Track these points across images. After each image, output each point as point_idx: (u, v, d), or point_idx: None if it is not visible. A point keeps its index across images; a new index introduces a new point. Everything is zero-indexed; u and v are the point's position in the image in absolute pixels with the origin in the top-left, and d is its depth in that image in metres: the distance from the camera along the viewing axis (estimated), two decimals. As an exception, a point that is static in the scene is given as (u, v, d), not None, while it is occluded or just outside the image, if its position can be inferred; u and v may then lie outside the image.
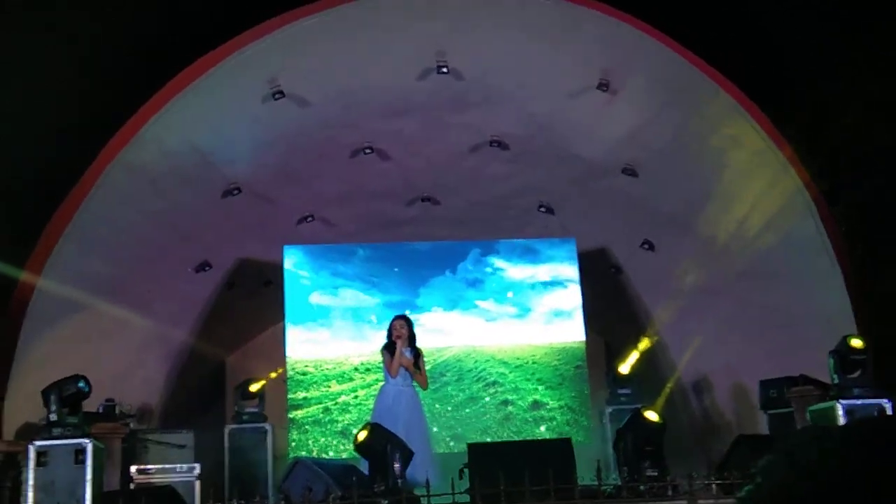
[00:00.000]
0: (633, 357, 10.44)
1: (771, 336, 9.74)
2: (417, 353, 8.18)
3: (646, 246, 10.81)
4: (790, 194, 9.15)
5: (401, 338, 8.08)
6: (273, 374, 10.34)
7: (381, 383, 8.28)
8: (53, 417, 7.06)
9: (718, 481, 6.31)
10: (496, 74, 9.05)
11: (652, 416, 7.11)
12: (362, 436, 6.85)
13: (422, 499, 6.25)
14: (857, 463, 0.84)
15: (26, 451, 7.06)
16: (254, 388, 9.83)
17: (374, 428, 6.86)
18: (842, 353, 7.51)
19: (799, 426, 8.32)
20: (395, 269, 10.97)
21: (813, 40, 8.32)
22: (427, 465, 7.31)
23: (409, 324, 8.27)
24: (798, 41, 8.44)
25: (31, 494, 6.92)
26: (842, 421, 7.20)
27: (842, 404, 7.24)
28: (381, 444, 6.68)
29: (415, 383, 8.15)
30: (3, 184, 8.08)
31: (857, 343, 7.48)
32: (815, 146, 9.04)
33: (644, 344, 10.61)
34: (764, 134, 9.00)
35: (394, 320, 8.30)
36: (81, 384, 7.15)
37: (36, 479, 6.93)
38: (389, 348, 8.12)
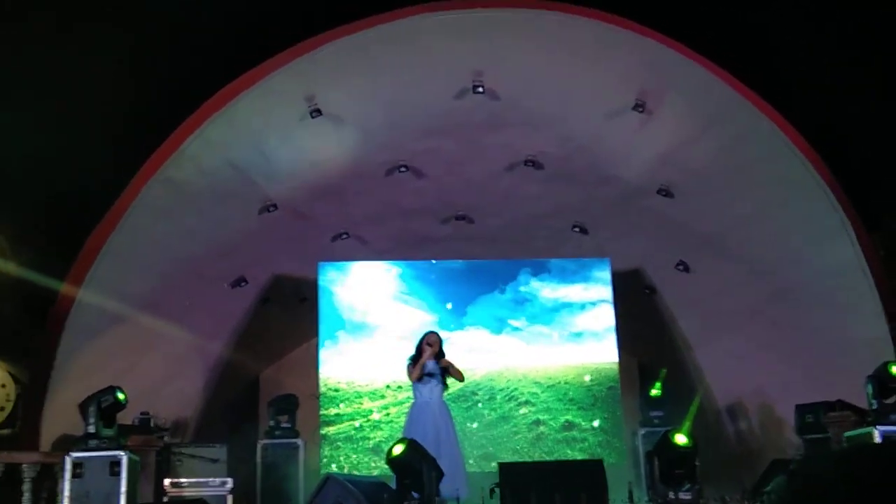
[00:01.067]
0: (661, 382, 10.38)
1: (808, 360, 9.63)
2: (444, 365, 8.25)
3: (681, 267, 10.75)
4: (828, 217, 9.06)
5: (432, 345, 8.18)
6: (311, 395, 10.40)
7: (413, 400, 8.31)
8: (91, 429, 7.16)
9: (752, 506, 6.25)
10: (532, 94, 9.07)
11: (681, 439, 7.05)
12: (398, 450, 6.84)
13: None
14: (856, 485, 0.84)
15: (63, 462, 7.16)
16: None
17: (411, 444, 6.85)
18: (880, 378, 7.41)
19: (835, 452, 8.21)
20: (429, 288, 11.00)
21: (850, 65, 8.27)
22: (459, 480, 7.31)
23: (440, 340, 8.37)
24: (835, 66, 8.39)
25: (66, 505, 7.01)
26: (879, 447, 7.10)
27: (879, 430, 7.15)
28: (417, 460, 6.68)
29: (445, 397, 8.21)
30: (44, 198, 8.23)
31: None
32: (855, 170, 8.97)
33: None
34: (802, 157, 8.93)
35: (427, 336, 8.41)
36: (118, 394, 7.25)
37: (72, 490, 7.03)
38: (415, 359, 8.23)
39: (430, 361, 8.15)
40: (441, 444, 7.63)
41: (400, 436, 8.14)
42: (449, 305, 10.94)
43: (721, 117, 8.95)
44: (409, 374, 8.25)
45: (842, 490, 0.85)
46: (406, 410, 9.26)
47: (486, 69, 8.75)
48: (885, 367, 7.39)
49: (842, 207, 8.97)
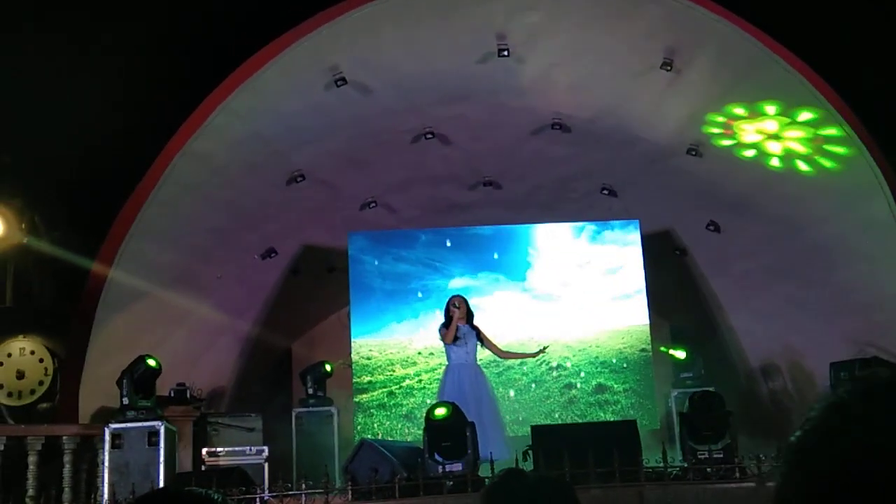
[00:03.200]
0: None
1: (842, 318, 9.55)
2: (477, 330, 8.31)
3: (711, 227, 10.66)
4: (861, 173, 8.94)
5: (459, 309, 8.23)
6: (339, 362, 10.50)
7: (446, 365, 8.35)
8: (126, 401, 7.27)
9: (787, 464, 6.22)
10: (557, 56, 8.99)
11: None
12: (441, 412, 6.78)
13: (486, 480, 6.28)
14: None
15: (102, 434, 7.28)
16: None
17: (454, 407, 6.83)
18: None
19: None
20: (458, 254, 11.00)
21: (881, 16, 8.11)
22: (497, 441, 7.36)
23: (466, 303, 8.41)
24: (868, 15, 8.22)
25: (106, 475, 7.15)
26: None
27: (915, 386, 7.07)
28: (460, 423, 6.68)
29: (480, 361, 8.27)
30: (75, 176, 8.31)
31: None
32: (888, 121, 8.82)
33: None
34: (834, 111, 8.79)
35: (452, 299, 8.49)
36: (148, 360, 7.33)
37: (111, 460, 7.16)
38: (446, 324, 8.30)
39: (462, 325, 8.20)
40: (481, 403, 7.67)
41: (434, 400, 8.19)
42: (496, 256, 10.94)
43: (749, 73, 8.82)
44: (443, 337, 8.33)
45: None
46: (438, 377, 9.30)
47: (511, 32, 8.68)
48: None
49: (874, 159, 8.83)
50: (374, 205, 10.89)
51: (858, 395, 0.83)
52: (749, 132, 9.33)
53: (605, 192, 10.97)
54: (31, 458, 7.53)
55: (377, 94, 9.15)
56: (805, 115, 8.92)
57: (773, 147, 9.34)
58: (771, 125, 9.17)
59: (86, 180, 8.44)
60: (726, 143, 9.56)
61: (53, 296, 9.49)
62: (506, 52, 8.71)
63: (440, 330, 8.40)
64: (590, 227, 11.18)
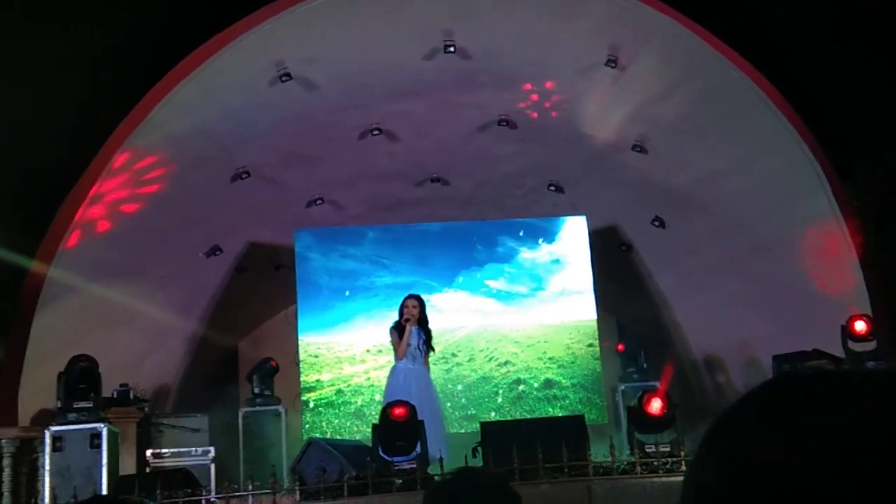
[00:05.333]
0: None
1: (784, 312, 9.71)
2: (429, 334, 8.13)
3: (656, 223, 10.77)
4: (803, 169, 9.10)
5: (411, 319, 8.02)
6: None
7: (393, 363, 8.28)
8: (60, 404, 7.12)
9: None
10: (503, 53, 9.00)
11: (655, 406, 7.00)
12: (400, 412, 6.70)
13: (436, 477, 6.26)
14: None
15: (42, 437, 7.12)
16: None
17: (412, 407, 6.77)
18: (846, 332, 7.52)
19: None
20: (406, 251, 10.97)
21: (821, 11, 8.25)
22: (440, 443, 7.32)
23: (422, 304, 8.20)
24: (808, 13, 8.36)
25: (47, 479, 6.99)
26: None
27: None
28: (415, 422, 6.64)
29: (431, 358, 8.17)
30: (12, 173, 8.10)
31: (860, 326, 7.45)
32: (828, 120, 8.99)
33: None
34: (776, 109, 8.94)
35: (406, 299, 8.21)
36: (83, 363, 7.18)
37: (52, 463, 7.00)
38: (398, 328, 8.07)
39: (413, 329, 8.07)
40: (422, 404, 7.60)
41: (381, 398, 8.12)
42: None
43: (694, 71, 8.93)
44: (395, 349, 8.11)
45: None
46: (387, 374, 9.25)
47: (457, 28, 8.66)
48: (848, 322, 7.48)
49: (816, 159, 9.00)
50: (320, 202, 10.81)
51: (764, 390, 0.82)
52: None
53: (552, 188, 11.03)
54: (-31, 463, 7.35)
55: (323, 89, 9.07)
56: (747, 111, 9.04)
57: (717, 143, 9.45)
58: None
59: (24, 177, 8.23)
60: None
61: (-9, 296, 9.25)
62: (452, 48, 8.70)
63: (391, 332, 8.22)
64: (537, 223, 11.22)
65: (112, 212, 8.90)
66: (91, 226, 8.72)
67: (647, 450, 6.67)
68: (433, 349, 8.23)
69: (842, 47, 8.58)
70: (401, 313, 8.13)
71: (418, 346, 8.05)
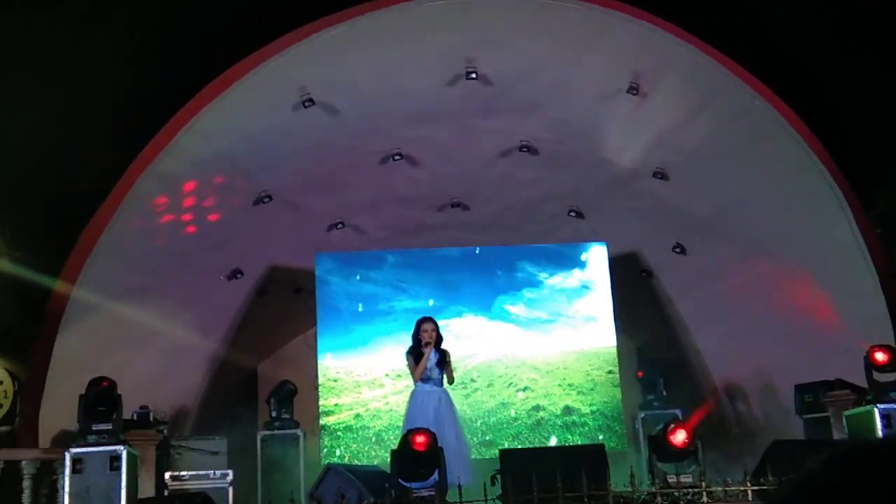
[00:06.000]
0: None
1: (806, 340, 9.63)
2: (444, 355, 8.06)
3: (677, 249, 10.74)
4: (824, 196, 9.05)
5: (430, 344, 7.95)
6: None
7: (413, 388, 8.24)
8: (79, 426, 7.14)
9: (754, 487, 6.24)
10: (525, 79, 9.03)
11: (679, 437, 6.91)
12: (422, 440, 6.63)
13: (455, 506, 6.24)
14: (865, 483, 0.81)
15: (62, 459, 7.13)
16: None
17: (433, 436, 6.72)
18: (867, 363, 7.43)
19: (835, 431, 8.22)
20: (426, 275, 10.97)
21: (842, 38, 8.24)
22: (463, 465, 7.27)
23: (437, 326, 8.11)
24: (829, 41, 8.35)
25: (67, 501, 6.99)
26: (879, 425, 7.11)
27: (879, 409, 7.14)
28: (436, 450, 6.61)
29: (445, 384, 8.09)
30: (37, 195, 8.19)
31: (880, 357, 7.37)
32: (850, 147, 8.95)
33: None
34: (798, 136, 8.91)
35: (423, 323, 8.13)
36: (103, 385, 7.18)
37: (72, 485, 7.00)
38: (414, 352, 8.00)
39: (432, 353, 8.00)
40: (444, 427, 7.55)
41: (401, 423, 8.09)
42: (431, 302, 10.84)
43: (715, 98, 8.92)
44: (412, 372, 8.05)
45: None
46: (406, 399, 9.23)
47: (479, 55, 8.71)
48: (869, 353, 7.40)
49: (838, 185, 8.95)
50: (341, 226, 10.85)
51: (820, 467, 0.83)
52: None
53: (573, 214, 11.02)
54: (-10, 484, 7.38)
55: (345, 115, 9.13)
56: (769, 138, 9.02)
57: (738, 170, 9.42)
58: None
59: (49, 200, 8.32)
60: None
61: (14, 317, 9.30)
62: (474, 75, 8.74)
63: (407, 356, 8.16)
64: (557, 248, 11.21)
65: (136, 234, 8.96)
66: (114, 248, 8.78)
67: (668, 480, 6.61)
68: (449, 365, 8.10)
69: (863, 74, 8.56)
70: (417, 337, 8.05)
71: (437, 368, 8.02)
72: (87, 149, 7.96)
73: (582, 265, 11.12)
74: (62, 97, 7.66)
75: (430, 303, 10.83)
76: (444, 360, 8.00)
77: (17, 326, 9.17)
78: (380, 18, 8.31)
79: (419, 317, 8.30)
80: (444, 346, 8.13)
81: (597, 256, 11.10)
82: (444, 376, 8.02)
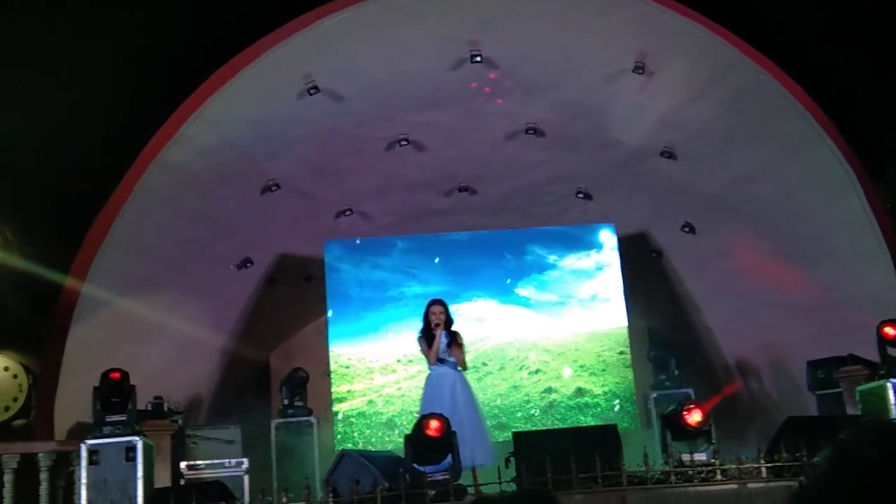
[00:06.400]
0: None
1: (818, 316, 9.61)
2: (454, 337, 8.12)
3: (686, 229, 10.71)
4: (833, 171, 9.01)
5: (439, 325, 8.02)
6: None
7: (426, 372, 8.27)
8: (94, 417, 7.19)
9: (768, 464, 6.25)
10: (530, 61, 9.00)
11: (695, 417, 6.90)
12: (436, 425, 6.65)
13: (468, 488, 6.26)
14: None
15: (78, 450, 7.18)
16: None
17: (446, 421, 6.73)
18: (879, 338, 7.42)
19: (848, 406, 8.21)
20: (435, 260, 10.98)
21: (850, 13, 8.18)
22: (483, 446, 7.30)
23: (446, 308, 8.19)
24: (836, 15, 8.30)
25: (84, 493, 7.04)
26: (892, 399, 7.10)
27: (892, 383, 7.13)
28: (449, 435, 6.62)
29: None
30: (46, 189, 8.21)
31: (891, 332, 7.36)
32: (858, 121, 8.90)
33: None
34: (805, 111, 8.86)
35: (432, 306, 8.19)
36: (115, 376, 7.22)
37: (88, 477, 7.05)
38: (426, 335, 8.08)
39: (443, 335, 8.06)
40: (462, 409, 7.59)
41: (417, 407, 8.11)
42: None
43: (721, 75, 8.88)
44: (425, 353, 8.14)
45: None
46: (418, 384, 9.24)
47: (483, 38, 8.68)
48: (879, 328, 7.39)
49: (846, 160, 8.91)
50: (349, 212, 10.86)
51: (856, 442, 0.82)
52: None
53: (581, 195, 11.00)
54: (7, 476, 7.42)
55: (350, 101, 9.12)
56: (777, 114, 8.97)
57: (746, 147, 9.38)
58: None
59: (58, 193, 8.33)
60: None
61: (27, 311, 9.34)
62: (478, 58, 8.72)
63: (419, 340, 8.23)
64: (566, 230, 11.19)
65: (144, 225, 8.98)
66: (124, 240, 8.80)
67: (683, 458, 6.62)
68: (461, 348, 8.15)
69: (870, 48, 8.50)
70: (427, 320, 8.13)
71: (445, 349, 8.07)
72: (95, 140, 7.97)
73: (591, 246, 11.10)
74: (68, 89, 7.66)
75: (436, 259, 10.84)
76: (455, 342, 8.06)
77: (30, 321, 9.21)
78: (383, 4, 8.29)
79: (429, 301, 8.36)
80: (455, 329, 8.19)
81: (606, 237, 11.08)
82: (454, 355, 8.08)
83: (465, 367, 8.21)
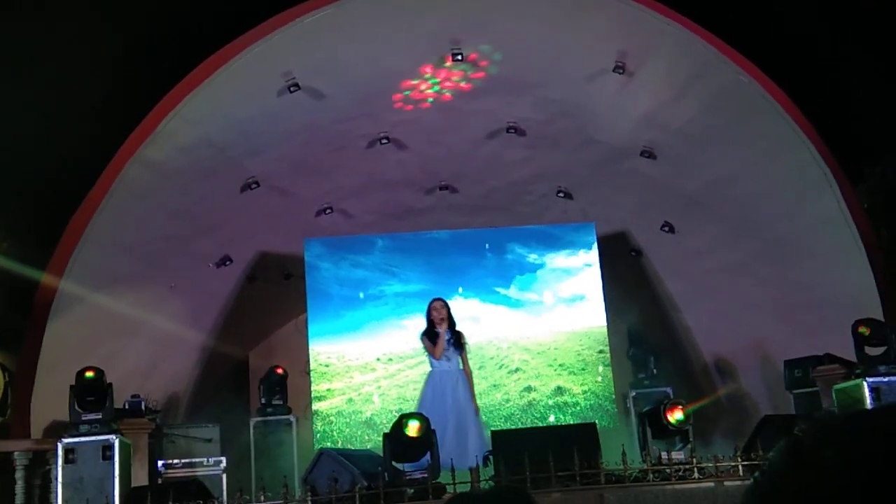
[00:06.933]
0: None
1: (795, 315, 9.68)
2: (458, 336, 8.23)
3: (666, 228, 10.76)
4: (811, 171, 9.07)
5: (443, 321, 8.14)
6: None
7: (406, 371, 8.29)
8: (71, 417, 7.15)
9: (745, 462, 6.29)
10: (511, 60, 9.01)
11: (676, 416, 6.95)
12: (415, 426, 6.64)
13: (447, 487, 6.26)
14: (864, 454, 0.81)
15: (55, 449, 7.13)
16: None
17: (426, 421, 6.74)
18: (855, 336, 7.49)
19: (824, 405, 8.28)
20: (416, 259, 10.96)
21: (830, 14, 8.24)
22: (482, 447, 7.34)
23: (447, 307, 8.33)
24: (816, 17, 8.36)
25: (60, 491, 7.00)
26: (868, 399, 7.17)
27: (868, 382, 7.20)
28: (429, 435, 6.63)
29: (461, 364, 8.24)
30: (23, 186, 8.15)
31: (864, 330, 7.43)
32: (836, 122, 8.97)
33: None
34: (784, 112, 8.92)
35: (434, 303, 8.37)
36: (90, 374, 7.19)
37: (65, 475, 7.01)
38: (429, 333, 8.17)
39: (446, 333, 8.17)
40: (461, 408, 7.64)
41: (397, 406, 8.14)
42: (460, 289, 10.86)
43: (701, 76, 8.91)
44: (429, 351, 8.22)
45: (860, 459, 0.82)
46: (397, 383, 9.26)
47: (464, 37, 8.68)
48: (855, 326, 7.46)
49: (824, 161, 8.97)
50: (329, 210, 10.83)
51: (811, 439, 0.82)
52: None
53: (561, 194, 11.02)
54: (-18, 475, 7.37)
55: (331, 99, 9.09)
56: (756, 114, 9.02)
57: (726, 147, 9.43)
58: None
59: (35, 190, 8.28)
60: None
61: (3, 308, 9.28)
62: (459, 56, 8.72)
63: (422, 338, 8.31)
64: (546, 229, 11.21)
65: (122, 222, 8.92)
66: (102, 237, 8.74)
67: (661, 455, 6.65)
68: (464, 349, 8.28)
69: (850, 50, 8.57)
70: (430, 317, 8.23)
71: (451, 348, 8.17)
72: (73, 137, 7.92)
73: (571, 246, 11.12)
74: (46, 86, 7.61)
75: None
76: (459, 342, 8.18)
77: (6, 318, 9.15)
78: (364, 1, 8.27)
79: (409, 300, 8.43)
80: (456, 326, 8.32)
81: (585, 236, 11.10)
82: (461, 360, 8.17)
83: (468, 369, 8.34)
